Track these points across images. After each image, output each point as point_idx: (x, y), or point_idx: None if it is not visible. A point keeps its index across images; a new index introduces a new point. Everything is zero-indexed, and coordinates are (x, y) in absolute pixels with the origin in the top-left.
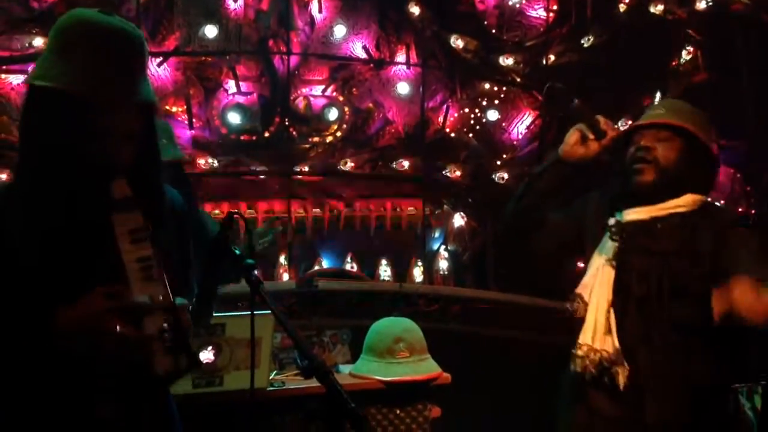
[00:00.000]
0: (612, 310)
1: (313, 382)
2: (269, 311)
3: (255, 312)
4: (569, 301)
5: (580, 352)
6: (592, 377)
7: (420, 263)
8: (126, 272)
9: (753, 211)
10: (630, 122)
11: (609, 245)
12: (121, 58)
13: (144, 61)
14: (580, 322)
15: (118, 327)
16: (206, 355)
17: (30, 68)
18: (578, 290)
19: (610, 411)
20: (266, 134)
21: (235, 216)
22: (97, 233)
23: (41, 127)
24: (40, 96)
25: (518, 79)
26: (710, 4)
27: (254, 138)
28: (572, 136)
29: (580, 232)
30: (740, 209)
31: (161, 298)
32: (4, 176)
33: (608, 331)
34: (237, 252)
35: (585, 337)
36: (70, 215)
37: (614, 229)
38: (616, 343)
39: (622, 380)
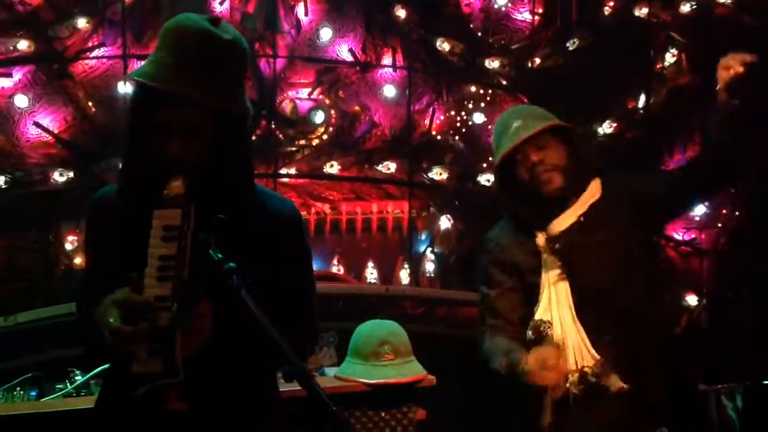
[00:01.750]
0: (579, 323)
1: (297, 386)
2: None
3: None
4: (533, 330)
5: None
6: (576, 397)
7: (406, 266)
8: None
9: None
10: (615, 125)
11: (550, 262)
12: (195, 56)
13: (226, 64)
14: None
15: (111, 320)
16: None
17: (14, 71)
18: (539, 316)
19: (607, 418)
20: (252, 137)
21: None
22: (142, 226)
23: (128, 114)
24: (132, 90)
25: (504, 82)
26: (694, 7)
27: None
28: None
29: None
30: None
31: (167, 298)
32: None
33: (583, 345)
34: (219, 256)
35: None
36: (132, 209)
37: (551, 244)
38: (596, 355)
39: (617, 387)
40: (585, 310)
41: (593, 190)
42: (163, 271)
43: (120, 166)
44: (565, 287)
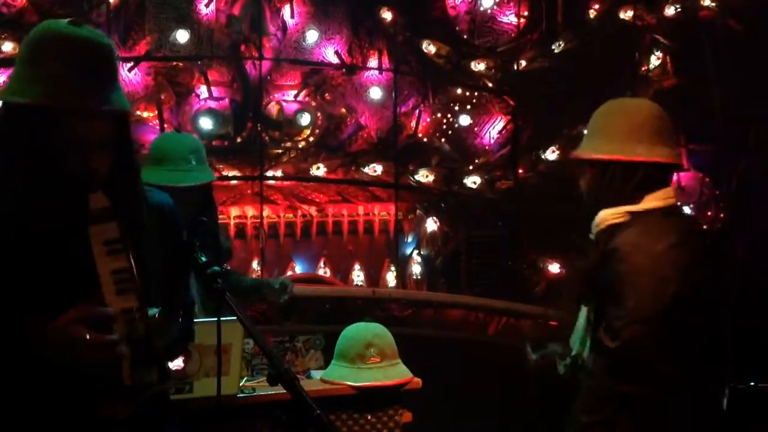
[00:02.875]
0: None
1: (282, 389)
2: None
3: (224, 318)
4: None
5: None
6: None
7: (393, 268)
8: (100, 284)
9: (721, 215)
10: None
11: None
12: (90, 68)
13: (114, 69)
14: None
15: (87, 336)
16: (176, 363)
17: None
18: None
19: None
20: (238, 139)
21: (203, 221)
22: (75, 245)
23: (14, 141)
24: (12, 110)
25: (490, 85)
26: (679, 10)
27: (226, 143)
28: None
29: None
30: (709, 213)
31: (134, 309)
32: None
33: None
34: (203, 259)
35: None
36: (47, 227)
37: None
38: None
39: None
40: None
41: (605, 217)
42: (120, 284)
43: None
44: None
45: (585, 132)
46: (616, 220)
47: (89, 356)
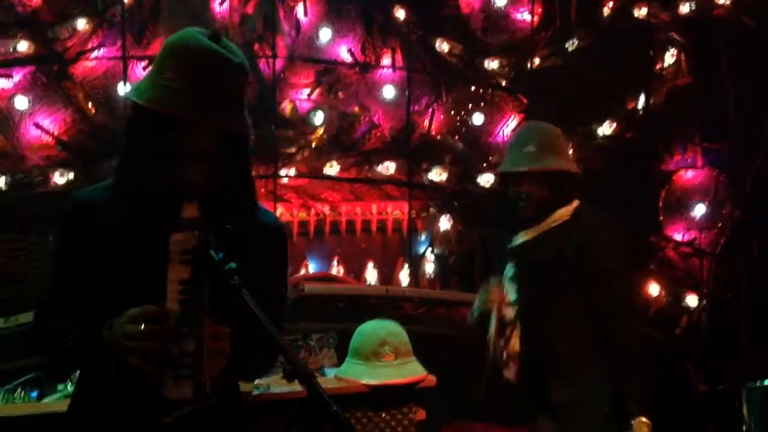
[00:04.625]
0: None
1: (299, 386)
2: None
3: None
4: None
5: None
6: None
7: (406, 266)
8: (167, 291)
9: (736, 214)
10: (614, 126)
11: (508, 267)
12: (206, 81)
13: (234, 88)
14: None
15: (134, 343)
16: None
17: (14, 72)
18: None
19: None
20: (252, 138)
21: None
22: (157, 249)
23: (130, 141)
24: (133, 107)
25: (503, 83)
26: (693, 8)
27: None
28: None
29: None
30: (724, 211)
31: (189, 322)
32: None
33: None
34: (220, 256)
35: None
36: (139, 230)
37: (510, 253)
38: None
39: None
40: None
41: (557, 216)
42: (182, 294)
43: (119, 183)
44: (511, 292)
45: (527, 149)
46: (567, 218)
47: (133, 356)
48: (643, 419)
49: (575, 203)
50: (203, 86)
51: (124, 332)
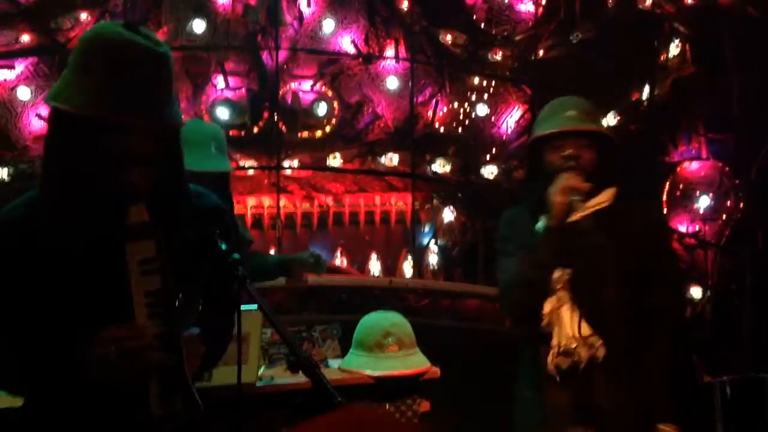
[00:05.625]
0: (573, 307)
1: (302, 377)
2: (257, 306)
3: (243, 307)
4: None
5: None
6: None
7: (410, 258)
8: (134, 305)
9: (741, 204)
10: (619, 117)
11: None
12: (142, 80)
13: (168, 81)
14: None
15: (116, 356)
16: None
17: (17, 63)
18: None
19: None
20: (255, 129)
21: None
22: (110, 261)
23: (57, 149)
24: (56, 114)
25: (507, 74)
26: None
27: (243, 133)
28: (560, 204)
29: None
30: (728, 203)
31: (166, 335)
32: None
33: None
34: (223, 247)
35: (563, 336)
36: (84, 240)
37: (549, 234)
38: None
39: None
40: (578, 302)
41: (605, 198)
42: (152, 307)
43: (51, 197)
44: (561, 275)
45: (568, 114)
46: (612, 201)
47: (116, 377)
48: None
49: (614, 188)
50: (139, 86)
51: (97, 355)
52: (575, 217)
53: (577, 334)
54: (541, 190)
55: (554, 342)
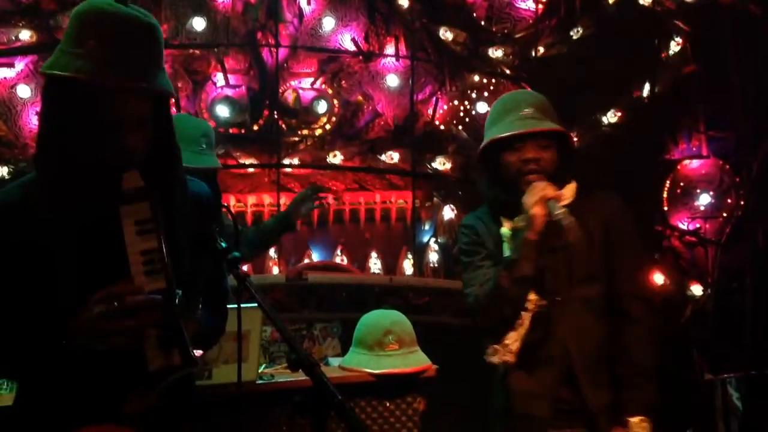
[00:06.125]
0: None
1: (303, 375)
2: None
3: (243, 305)
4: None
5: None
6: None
7: (410, 256)
8: (130, 264)
9: (742, 202)
10: (619, 114)
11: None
12: (132, 46)
13: (157, 49)
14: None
15: (111, 316)
16: (195, 349)
17: (17, 61)
18: None
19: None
20: (255, 127)
21: (222, 210)
22: (106, 224)
23: (54, 118)
24: (52, 85)
25: (507, 71)
26: None
27: (243, 131)
28: (540, 217)
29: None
30: (729, 200)
31: (162, 292)
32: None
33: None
34: (223, 245)
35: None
36: (81, 206)
37: (514, 236)
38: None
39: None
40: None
41: (568, 194)
42: (149, 265)
43: (41, 168)
44: None
45: (524, 113)
46: (575, 196)
47: (113, 336)
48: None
49: (574, 182)
50: (130, 51)
51: (96, 314)
52: (552, 218)
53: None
54: (501, 194)
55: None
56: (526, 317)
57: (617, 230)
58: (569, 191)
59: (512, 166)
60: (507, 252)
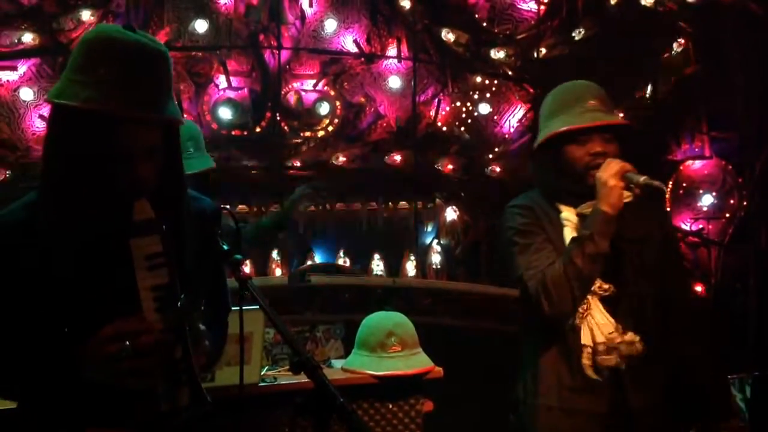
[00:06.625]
0: (603, 305)
1: (305, 378)
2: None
3: (245, 307)
4: None
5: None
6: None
7: (413, 257)
8: (140, 300)
9: (744, 203)
10: (621, 115)
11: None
12: (142, 74)
13: (168, 77)
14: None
15: (123, 353)
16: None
17: (19, 64)
18: None
19: (600, 407)
20: (257, 129)
21: (224, 212)
22: (115, 257)
23: (60, 147)
24: (59, 113)
25: (510, 72)
26: None
27: (245, 133)
28: (617, 189)
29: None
30: (732, 201)
31: (174, 329)
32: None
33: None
34: (225, 247)
35: (600, 335)
36: (89, 237)
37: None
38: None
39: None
40: (610, 298)
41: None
42: (159, 301)
43: (48, 195)
44: None
45: (590, 104)
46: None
47: (126, 378)
48: None
49: None
50: (140, 79)
51: (107, 354)
52: (627, 199)
53: (618, 331)
54: (558, 181)
55: (586, 342)
56: (592, 301)
57: (673, 236)
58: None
59: (580, 161)
60: (569, 237)
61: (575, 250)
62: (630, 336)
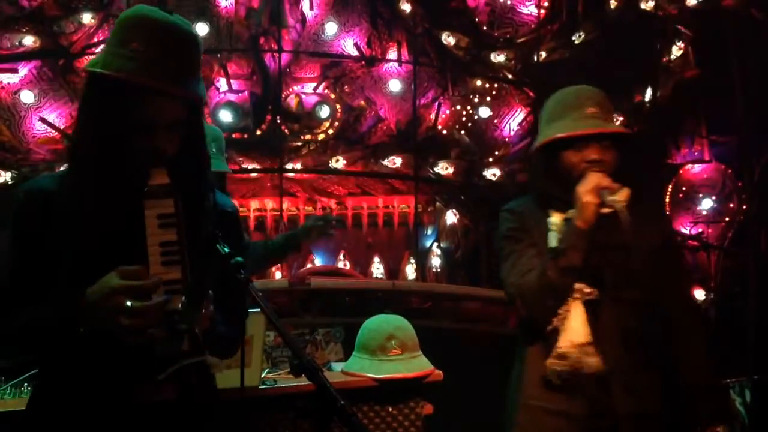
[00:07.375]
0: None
1: (305, 380)
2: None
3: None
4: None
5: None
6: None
7: (413, 261)
8: (148, 254)
9: (744, 207)
10: (621, 119)
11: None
12: (174, 52)
13: (197, 58)
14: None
15: (127, 302)
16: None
17: (20, 67)
18: None
19: (579, 410)
20: (258, 132)
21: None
22: (130, 217)
23: (94, 113)
24: (94, 83)
25: (510, 76)
26: (701, 0)
27: (246, 136)
28: (592, 205)
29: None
30: (731, 205)
31: (177, 281)
32: (1, 178)
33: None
34: (225, 250)
35: (566, 340)
36: (109, 200)
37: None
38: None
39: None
40: (594, 301)
41: (621, 197)
42: (167, 256)
43: (75, 161)
44: None
45: (589, 111)
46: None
47: (125, 322)
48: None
49: (627, 189)
50: (171, 56)
51: (112, 306)
52: (605, 211)
53: (581, 340)
54: (556, 189)
55: (559, 344)
56: (573, 305)
57: (673, 243)
58: (623, 195)
59: (576, 167)
60: (553, 242)
61: (549, 262)
62: (589, 349)
